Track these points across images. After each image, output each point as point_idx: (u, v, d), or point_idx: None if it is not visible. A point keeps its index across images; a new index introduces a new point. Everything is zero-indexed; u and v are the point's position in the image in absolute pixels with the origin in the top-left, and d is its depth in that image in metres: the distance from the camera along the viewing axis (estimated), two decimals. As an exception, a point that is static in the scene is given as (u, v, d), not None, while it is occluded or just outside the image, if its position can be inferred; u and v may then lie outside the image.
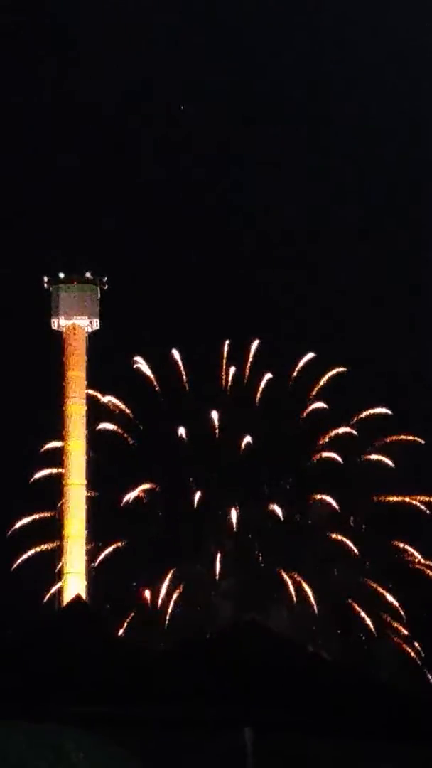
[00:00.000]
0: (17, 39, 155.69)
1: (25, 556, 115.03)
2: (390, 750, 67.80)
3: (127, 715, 68.94)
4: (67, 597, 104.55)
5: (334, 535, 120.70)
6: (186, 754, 63.25)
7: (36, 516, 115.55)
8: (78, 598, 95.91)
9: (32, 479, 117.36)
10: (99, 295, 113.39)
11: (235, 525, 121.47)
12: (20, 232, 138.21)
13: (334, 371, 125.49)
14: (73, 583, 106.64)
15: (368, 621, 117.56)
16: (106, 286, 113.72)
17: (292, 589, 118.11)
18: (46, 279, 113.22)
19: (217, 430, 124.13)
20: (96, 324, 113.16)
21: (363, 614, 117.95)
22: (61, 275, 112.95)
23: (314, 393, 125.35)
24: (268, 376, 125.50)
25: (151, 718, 68.91)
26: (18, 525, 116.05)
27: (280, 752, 64.13)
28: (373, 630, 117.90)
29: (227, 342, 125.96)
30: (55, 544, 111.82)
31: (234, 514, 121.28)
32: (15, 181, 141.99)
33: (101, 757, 57.96)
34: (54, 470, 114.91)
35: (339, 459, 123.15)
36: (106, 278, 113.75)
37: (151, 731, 65.60)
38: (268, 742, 63.24)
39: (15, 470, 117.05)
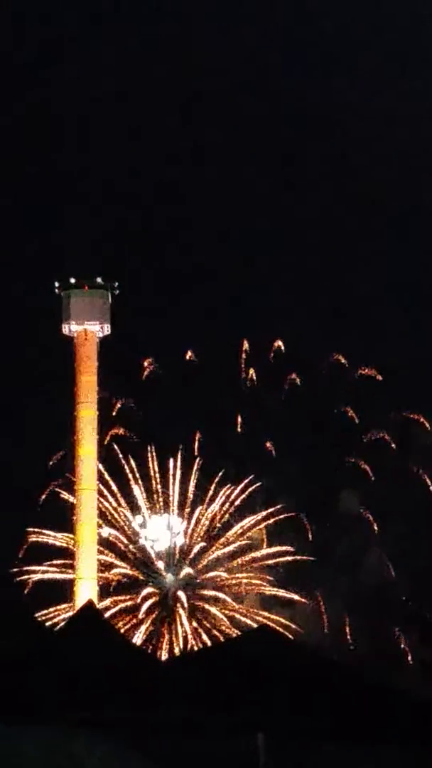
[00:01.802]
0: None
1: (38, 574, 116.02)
2: (404, 756, 67.25)
3: (139, 719, 68.54)
4: (79, 602, 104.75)
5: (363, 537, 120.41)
6: (198, 758, 62.92)
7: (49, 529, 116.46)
8: (90, 603, 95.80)
9: (46, 486, 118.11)
10: (110, 300, 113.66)
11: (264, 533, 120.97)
12: (31, 237, 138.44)
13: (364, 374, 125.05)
14: (85, 589, 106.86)
15: (397, 629, 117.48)
16: (117, 291, 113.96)
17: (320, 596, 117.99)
18: (57, 284, 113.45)
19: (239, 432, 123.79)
20: (107, 329, 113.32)
21: (395, 626, 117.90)
22: (72, 280, 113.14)
23: (342, 397, 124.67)
24: (292, 377, 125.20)
25: (163, 723, 68.51)
26: (33, 539, 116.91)
27: (293, 758, 63.73)
28: (403, 636, 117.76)
29: (246, 342, 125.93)
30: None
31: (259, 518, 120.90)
32: (24, 186, 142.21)
33: (114, 762, 57.77)
34: (66, 477, 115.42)
35: (369, 466, 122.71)
36: (117, 283, 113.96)
37: (163, 736, 65.21)
38: (281, 748, 62.85)
39: (27, 477, 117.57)
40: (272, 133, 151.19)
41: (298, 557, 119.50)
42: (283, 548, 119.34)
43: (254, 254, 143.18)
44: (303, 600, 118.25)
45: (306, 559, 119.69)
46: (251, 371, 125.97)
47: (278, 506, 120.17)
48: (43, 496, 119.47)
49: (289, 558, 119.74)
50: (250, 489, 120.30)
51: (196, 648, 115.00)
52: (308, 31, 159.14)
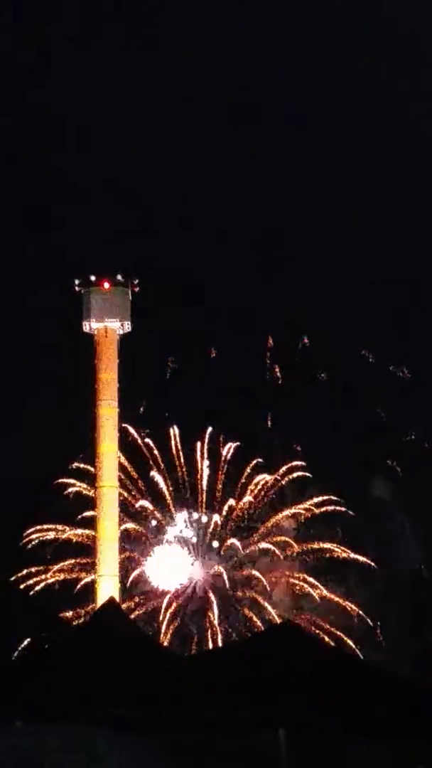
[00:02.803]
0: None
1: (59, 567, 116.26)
2: (428, 751, 66.55)
3: (160, 716, 68.41)
4: (101, 599, 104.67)
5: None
6: (219, 754, 62.56)
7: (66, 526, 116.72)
8: (111, 600, 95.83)
9: (66, 488, 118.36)
10: (130, 297, 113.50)
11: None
12: (31, 237, 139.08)
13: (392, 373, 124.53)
14: (107, 585, 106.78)
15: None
16: (137, 288, 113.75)
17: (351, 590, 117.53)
18: (77, 282, 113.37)
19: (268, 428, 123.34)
20: (127, 326, 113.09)
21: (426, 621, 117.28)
22: (92, 278, 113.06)
23: (372, 397, 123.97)
24: (318, 376, 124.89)
25: (184, 719, 68.34)
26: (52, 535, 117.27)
27: (313, 753, 63.25)
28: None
29: (270, 339, 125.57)
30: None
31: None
32: (24, 186, 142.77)
33: (135, 759, 57.65)
34: (86, 476, 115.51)
35: (400, 461, 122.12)
36: (137, 280, 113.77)
37: (183, 732, 65.02)
38: (302, 743, 62.40)
39: (48, 475, 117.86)
40: (272, 133, 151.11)
41: (331, 552, 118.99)
42: (319, 545, 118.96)
43: (254, 254, 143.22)
44: (334, 594, 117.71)
45: (338, 553, 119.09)
46: (276, 368, 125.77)
47: (315, 499, 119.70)
48: (70, 495, 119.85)
49: (322, 552, 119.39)
50: (289, 477, 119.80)
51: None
52: (308, 31, 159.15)
